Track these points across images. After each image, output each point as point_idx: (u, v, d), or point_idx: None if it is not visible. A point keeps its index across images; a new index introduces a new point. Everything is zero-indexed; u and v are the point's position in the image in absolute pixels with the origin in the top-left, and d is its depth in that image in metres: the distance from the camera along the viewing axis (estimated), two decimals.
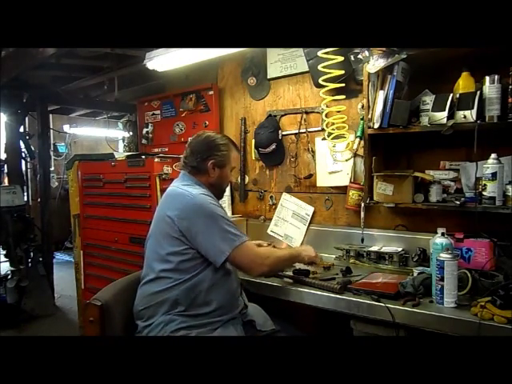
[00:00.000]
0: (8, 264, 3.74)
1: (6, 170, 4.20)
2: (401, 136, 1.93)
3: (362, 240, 2.22)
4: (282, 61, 2.60)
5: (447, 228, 1.67)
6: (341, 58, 2.07)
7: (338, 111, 2.26)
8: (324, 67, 2.13)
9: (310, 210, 2.53)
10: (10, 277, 3.67)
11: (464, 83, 1.79)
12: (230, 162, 1.75)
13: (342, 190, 2.35)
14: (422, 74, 1.98)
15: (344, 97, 2.22)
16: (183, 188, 1.65)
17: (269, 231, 2.67)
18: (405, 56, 1.82)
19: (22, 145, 4.17)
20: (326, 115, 2.30)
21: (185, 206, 1.59)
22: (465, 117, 1.70)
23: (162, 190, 2.35)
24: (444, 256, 1.47)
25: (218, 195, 1.79)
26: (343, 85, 2.17)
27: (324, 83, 2.19)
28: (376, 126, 1.93)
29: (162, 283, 1.58)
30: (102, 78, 3.44)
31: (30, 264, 3.86)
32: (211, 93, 2.98)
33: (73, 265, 3.26)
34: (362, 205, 2.14)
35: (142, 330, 1.58)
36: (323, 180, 2.43)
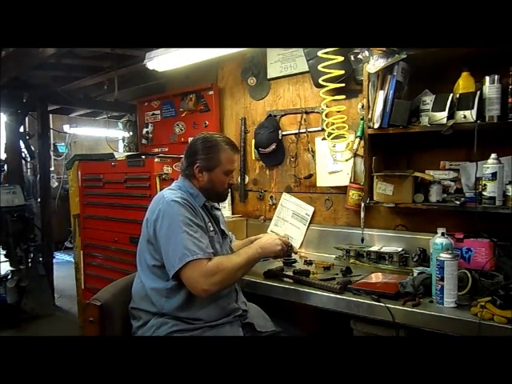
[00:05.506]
0: (8, 264, 3.74)
1: (5, 170, 4.20)
2: (401, 136, 1.92)
3: (362, 240, 2.22)
4: (282, 61, 2.60)
5: (447, 228, 1.67)
6: (341, 58, 2.08)
7: (338, 111, 2.26)
8: (324, 67, 2.13)
9: (310, 210, 2.53)
10: (10, 277, 3.67)
11: (464, 83, 1.79)
12: (220, 165, 1.65)
13: (342, 190, 2.35)
14: (422, 74, 1.98)
15: (344, 97, 2.22)
16: (164, 191, 1.64)
17: (269, 231, 2.67)
18: (405, 56, 1.82)
19: (22, 145, 4.17)
20: (326, 115, 2.30)
21: (155, 209, 1.57)
22: (465, 117, 1.70)
23: None
24: (444, 256, 1.47)
25: (216, 199, 1.76)
26: (343, 85, 2.17)
27: (324, 83, 2.19)
28: (376, 126, 1.92)
29: (142, 285, 1.59)
30: (102, 77, 3.43)
31: (30, 264, 3.86)
32: (211, 93, 2.98)
33: (73, 265, 3.26)
34: (362, 205, 2.14)
35: (136, 330, 1.58)
36: (323, 180, 2.43)
